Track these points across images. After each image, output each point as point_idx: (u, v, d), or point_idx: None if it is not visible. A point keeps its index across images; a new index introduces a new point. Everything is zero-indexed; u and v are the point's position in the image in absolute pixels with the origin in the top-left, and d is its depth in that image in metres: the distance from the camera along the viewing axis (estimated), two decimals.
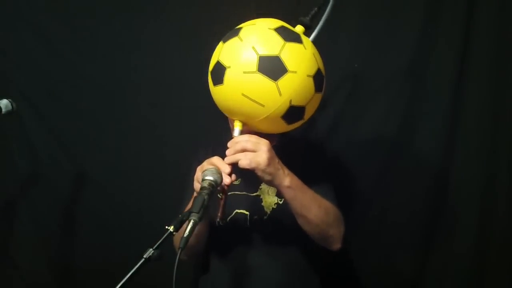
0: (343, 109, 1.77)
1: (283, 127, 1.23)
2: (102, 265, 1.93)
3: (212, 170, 1.15)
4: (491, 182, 1.69)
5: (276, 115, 1.17)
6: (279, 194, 1.36)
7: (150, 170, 1.92)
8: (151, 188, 1.92)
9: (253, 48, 1.14)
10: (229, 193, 1.26)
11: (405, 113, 1.74)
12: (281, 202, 1.36)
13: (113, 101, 1.92)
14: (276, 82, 1.13)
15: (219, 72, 1.19)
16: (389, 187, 1.77)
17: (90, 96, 1.92)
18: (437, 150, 1.73)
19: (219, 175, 1.15)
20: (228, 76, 1.17)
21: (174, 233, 1.04)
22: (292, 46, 1.16)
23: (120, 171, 1.94)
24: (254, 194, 1.39)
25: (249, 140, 1.18)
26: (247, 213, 1.37)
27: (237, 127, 1.23)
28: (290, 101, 1.16)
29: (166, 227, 1.04)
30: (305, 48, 1.18)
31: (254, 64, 1.13)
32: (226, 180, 1.15)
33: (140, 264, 1.00)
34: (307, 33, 1.27)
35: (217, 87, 1.21)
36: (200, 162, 1.23)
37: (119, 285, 0.98)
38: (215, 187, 1.13)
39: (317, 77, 1.19)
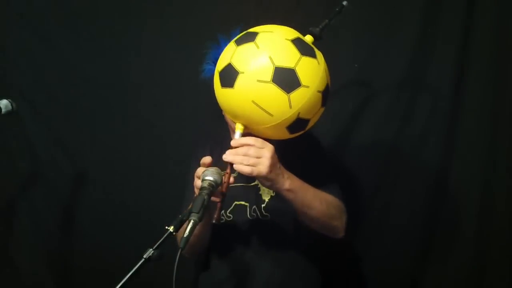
0: (343, 109, 1.77)
1: (284, 135, 1.23)
2: (102, 265, 1.93)
3: (212, 170, 1.15)
4: (490, 182, 1.69)
5: (282, 125, 1.18)
6: None
7: (150, 170, 1.92)
8: (151, 188, 1.92)
9: (270, 58, 1.13)
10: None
11: (405, 114, 1.74)
12: None
13: (113, 101, 1.92)
14: (288, 94, 1.13)
15: (230, 75, 1.17)
16: (389, 187, 1.78)
17: (90, 96, 1.92)
18: (437, 150, 1.73)
19: (219, 175, 1.15)
20: (240, 81, 1.15)
21: (174, 233, 1.04)
22: (307, 60, 1.16)
23: (120, 171, 1.94)
24: (252, 184, 1.40)
25: (254, 145, 1.17)
26: (247, 204, 1.38)
27: (238, 130, 1.22)
28: (299, 113, 1.16)
29: (166, 227, 1.04)
30: (319, 64, 1.18)
31: (269, 74, 1.13)
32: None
33: (140, 264, 1.00)
34: (315, 44, 1.27)
35: (226, 90, 1.19)
36: (198, 161, 1.22)
37: (119, 285, 0.98)
38: (215, 187, 1.13)
39: (325, 93, 1.20)
